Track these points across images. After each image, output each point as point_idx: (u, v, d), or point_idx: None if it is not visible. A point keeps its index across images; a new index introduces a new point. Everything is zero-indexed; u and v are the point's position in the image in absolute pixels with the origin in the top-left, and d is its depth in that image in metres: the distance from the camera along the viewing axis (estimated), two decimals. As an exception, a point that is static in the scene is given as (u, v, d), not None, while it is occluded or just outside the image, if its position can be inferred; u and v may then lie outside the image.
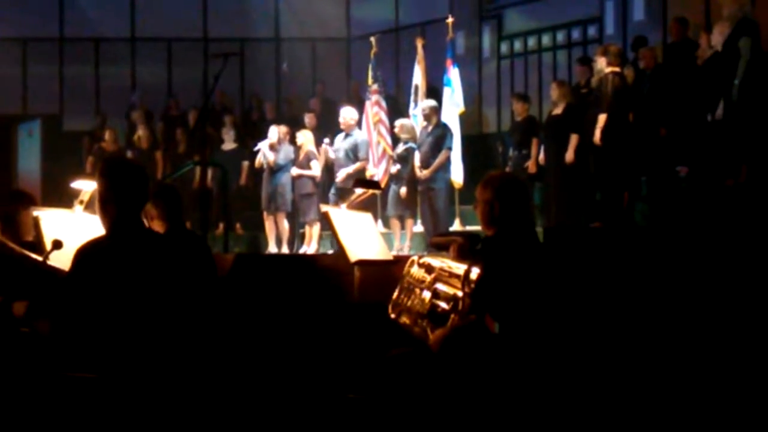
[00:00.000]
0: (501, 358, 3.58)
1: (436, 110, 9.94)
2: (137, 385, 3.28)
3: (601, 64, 8.68)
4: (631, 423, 4.05)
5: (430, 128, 9.74)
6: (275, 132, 10.66)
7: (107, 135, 12.51)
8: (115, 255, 3.44)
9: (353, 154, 10.03)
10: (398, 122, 10.12)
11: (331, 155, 10.35)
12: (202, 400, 3.44)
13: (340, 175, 9.97)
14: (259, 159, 10.72)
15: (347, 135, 10.14)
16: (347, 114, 10.19)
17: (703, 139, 8.32)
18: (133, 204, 3.52)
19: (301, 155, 10.58)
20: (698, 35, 8.90)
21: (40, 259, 4.02)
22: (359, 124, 10.69)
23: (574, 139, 8.83)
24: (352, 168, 9.96)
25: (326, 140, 10.63)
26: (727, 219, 7.29)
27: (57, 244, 3.96)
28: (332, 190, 10.16)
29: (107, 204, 3.51)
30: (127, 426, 3.26)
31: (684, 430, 4.02)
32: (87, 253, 3.45)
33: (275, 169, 10.58)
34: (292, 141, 10.76)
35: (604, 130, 8.37)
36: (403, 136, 9.93)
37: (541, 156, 9.39)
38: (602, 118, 8.34)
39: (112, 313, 3.35)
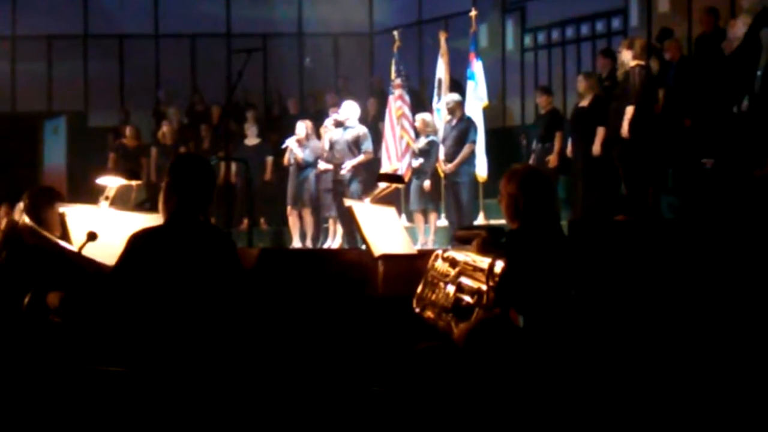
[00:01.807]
0: (526, 352, 3.57)
1: (461, 104, 9.92)
2: (177, 375, 3.32)
3: (626, 57, 8.62)
4: (656, 416, 4.03)
5: (454, 122, 9.73)
6: (303, 128, 10.52)
7: (128, 131, 12.59)
8: (166, 243, 3.51)
9: (355, 146, 9.97)
10: (418, 117, 10.08)
11: (326, 144, 10.24)
12: (225, 391, 3.46)
13: (346, 166, 9.91)
14: (287, 156, 10.65)
15: (347, 128, 10.05)
16: (347, 108, 10.08)
17: (729, 131, 8.26)
18: (194, 200, 3.57)
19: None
20: (728, 24, 8.81)
21: (75, 249, 4.06)
22: (377, 118, 10.63)
23: (601, 131, 8.77)
24: (356, 160, 9.88)
25: (327, 124, 10.44)
26: (755, 210, 7.24)
27: (92, 236, 4.00)
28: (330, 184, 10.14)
29: (169, 198, 3.57)
30: (157, 415, 3.28)
31: (714, 423, 3.99)
32: (139, 239, 3.53)
33: (303, 166, 10.51)
34: (317, 135, 10.71)
35: (631, 123, 8.32)
36: (428, 130, 9.91)
37: (568, 148, 9.36)
38: (630, 111, 8.28)
39: (158, 299, 3.40)
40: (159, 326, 3.40)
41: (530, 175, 3.89)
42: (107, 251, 4.03)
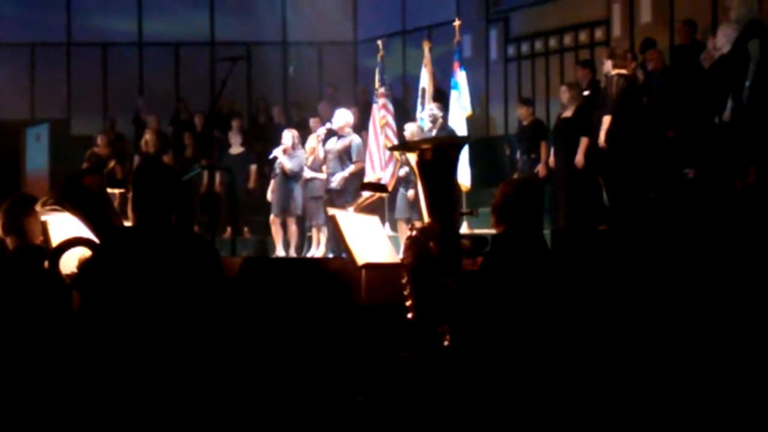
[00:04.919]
0: (508, 363, 3.57)
1: (444, 113, 9.93)
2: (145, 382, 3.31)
3: (607, 66, 8.67)
4: (640, 425, 4.04)
5: (435, 131, 9.74)
6: (289, 137, 10.40)
7: (99, 139, 12.51)
8: (135, 243, 3.51)
9: (346, 156, 9.95)
10: (407, 127, 10.09)
11: (320, 153, 10.23)
12: (209, 401, 3.44)
13: (336, 179, 9.91)
14: (274, 166, 10.48)
15: (340, 137, 10.05)
16: (341, 116, 10.07)
17: (710, 141, 8.30)
18: (159, 207, 3.57)
19: (311, 159, 10.47)
20: (706, 37, 8.88)
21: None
22: (360, 127, 10.60)
23: (584, 142, 8.80)
24: (347, 171, 9.88)
25: (320, 133, 10.46)
26: (736, 220, 7.27)
27: None
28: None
29: (135, 208, 3.58)
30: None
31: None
32: (111, 237, 3.60)
33: (290, 176, 10.42)
34: (303, 145, 10.64)
35: (610, 132, 8.35)
36: (416, 139, 9.89)
37: (551, 159, 9.39)
38: (607, 120, 8.33)
39: (124, 299, 3.39)
40: (125, 329, 3.39)
41: (528, 184, 4.15)
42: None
